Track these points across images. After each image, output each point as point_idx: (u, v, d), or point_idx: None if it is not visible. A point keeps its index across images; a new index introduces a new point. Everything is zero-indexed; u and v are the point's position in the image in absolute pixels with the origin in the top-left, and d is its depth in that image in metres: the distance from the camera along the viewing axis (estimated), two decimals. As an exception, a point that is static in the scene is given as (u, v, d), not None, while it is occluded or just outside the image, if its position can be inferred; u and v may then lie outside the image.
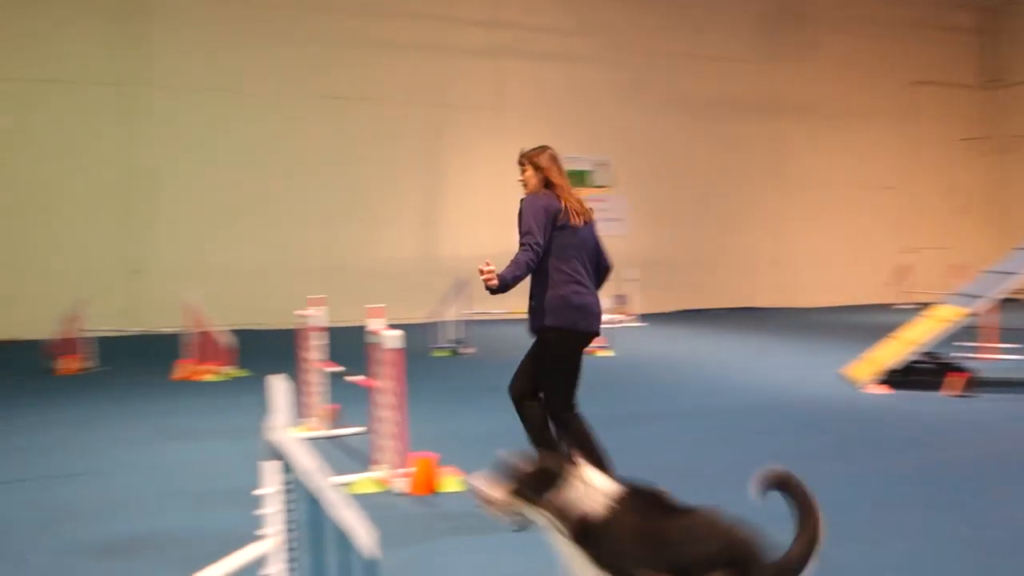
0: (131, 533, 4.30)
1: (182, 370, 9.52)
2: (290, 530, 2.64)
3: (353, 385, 5.93)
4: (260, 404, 7.94)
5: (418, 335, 12.11)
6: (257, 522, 2.61)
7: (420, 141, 16.74)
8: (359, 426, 6.50)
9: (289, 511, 2.59)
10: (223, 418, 7.30)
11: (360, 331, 5.83)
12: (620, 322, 14.83)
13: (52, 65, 14.24)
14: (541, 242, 4.38)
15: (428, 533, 4.28)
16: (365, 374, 5.73)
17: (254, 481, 3.55)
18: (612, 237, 19.04)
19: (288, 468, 2.75)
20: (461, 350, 11.59)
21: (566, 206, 4.49)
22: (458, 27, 16.98)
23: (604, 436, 6.41)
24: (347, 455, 5.92)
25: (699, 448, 6.17)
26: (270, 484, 2.66)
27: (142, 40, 14.70)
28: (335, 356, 6.88)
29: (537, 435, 4.60)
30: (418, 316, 13.08)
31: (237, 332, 10.28)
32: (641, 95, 18.50)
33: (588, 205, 4.69)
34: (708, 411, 7.56)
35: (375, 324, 5.17)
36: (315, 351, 6.46)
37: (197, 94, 15.05)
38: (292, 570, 2.64)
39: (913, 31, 20.96)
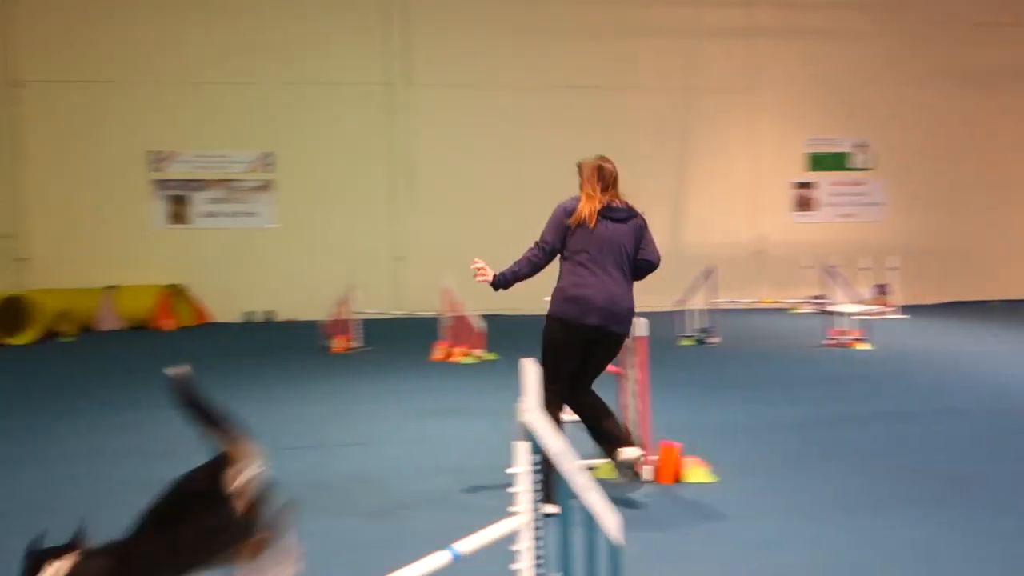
0: (396, 501, 4.68)
1: (439, 352, 10.13)
2: (537, 509, 2.77)
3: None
4: (509, 386, 8.28)
5: (665, 323, 12.09)
6: (509, 499, 2.76)
7: (668, 126, 16.60)
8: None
9: (540, 490, 2.72)
10: (477, 398, 7.70)
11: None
12: (879, 314, 13.93)
13: (327, 68, 15.60)
14: (548, 240, 4.83)
15: (671, 521, 4.30)
16: (616, 361, 5.83)
17: (506, 459, 3.75)
18: (869, 223, 17.97)
19: (537, 449, 2.89)
20: (707, 340, 11.42)
21: (580, 208, 4.79)
22: (712, 9, 16.62)
23: (855, 433, 6.12)
24: (591, 440, 6.04)
25: (961, 452, 5.70)
26: (522, 463, 2.80)
27: (404, 41, 15.71)
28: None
29: (595, 427, 4.86)
30: (665, 304, 13.03)
31: (488, 317, 10.77)
32: (905, 69, 17.19)
33: (622, 206, 4.87)
34: (972, 411, 6.95)
35: (621, 312, 5.23)
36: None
37: (453, 89, 15.88)
38: (539, 547, 2.77)
39: None
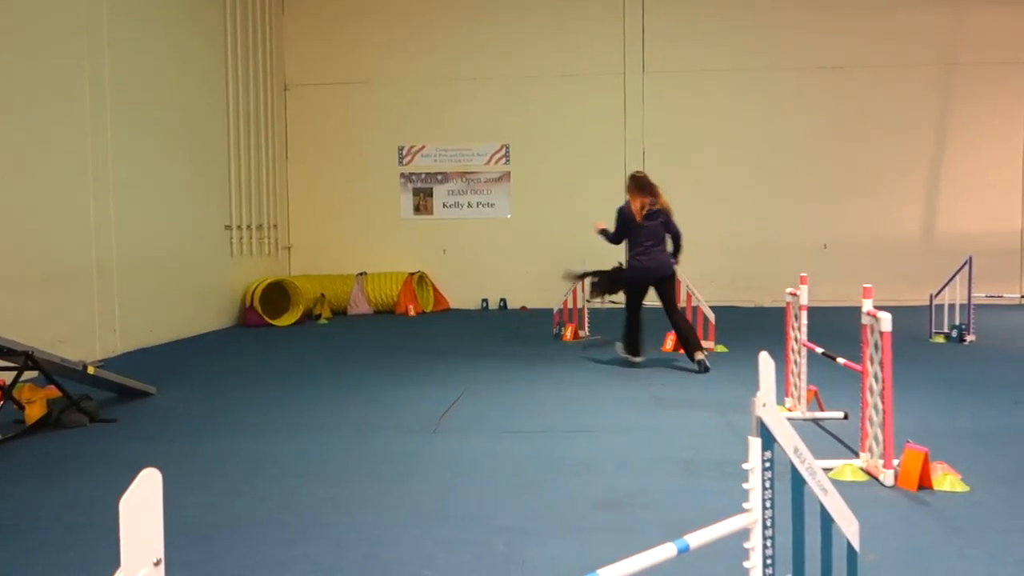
0: (625, 489, 4.72)
1: (670, 342, 10.06)
2: (769, 507, 2.71)
3: (834, 368, 5.76)
4: (740, 380, 8.10)
5: (917, 318, 11.29)
6: (740, 494, 2.72)
7: (926, 105, 15.37)
8: (837, 410, 6.32)
9: (770, 488, 2.66)
10: (707, 390, 7.59)
11: (854, 312, 5.61)
12: None
13: (563, 60, 15.88)
14: (614, 232, 8.85)
15: (915, 531, 4.04)
16: (850, 356, 5.55)
17: (737, 454, 3.68)
18: None
19: (771, 445, 2.82)
20: (963, 337, 10.54)
21: (630, 210, 8.64)
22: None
23: None
24: (826, 439, 5.80)
25: None
26: (754, 459, 2.75)
27: (638, 31, 15.65)
28: (825, 336, 6.74)
29: (681, 334, 8.72)
30: (918, 299, 12.17)
31: (723, 308, 10.55)
32: None
33: (656, 204, 8.61)
34: None
35: (867, 304, 4.97)
36: (801, 330, 6.40)
37: (685, 75, 15.62)
38: (769, 547, 2.71)
39: None
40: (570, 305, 11.54)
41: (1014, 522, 4.13)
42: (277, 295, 14.13)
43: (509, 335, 11.26)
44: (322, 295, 14.70)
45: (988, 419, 6.40)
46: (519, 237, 16.05)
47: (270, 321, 13.40)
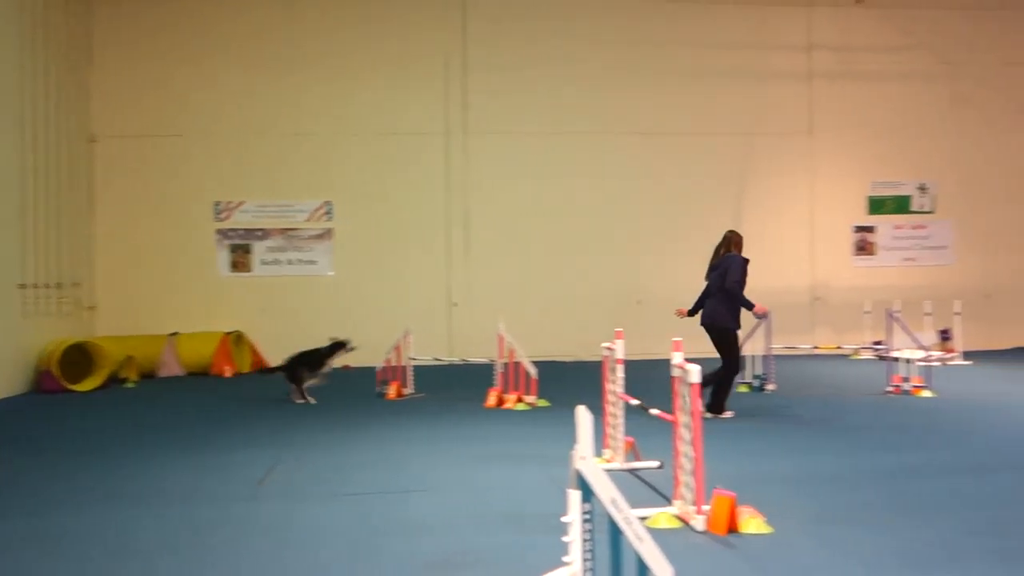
0: (454, 549, 4.67)
1: (492, 398, 10.15)
2: (589, 558, 2.76)
3: (650, 419, 6.00)
4: (561, 433, 8.24)
5: (719, 370, 11.94)
6: (562, 547, 2.75)
7: (726, 171, 16.53)
8: (653, 460, 6.56)
9: (590, 539, 2.71)
10: (529, 445, 7.69)
11: (661, 365, 5.89)
12: (942, 360, 13.58)
13: (386, 119, 15.97)
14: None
15: (724, 573, 4.23)
16: (663, 407, 5.80)
17: (559, 507, 3.74)
18: (931, 267, 17.60)
19: (590, 497, 2.88)
20: (763, 387, 11.25)
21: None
22: (773, 53, 16.60)
23: (919, 485, 5.97)
24: (642, 489, 5.99)
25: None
26: (574, 512, 2.80)
27: (460, 92, 16.00)
28: (636, 389, 6.99)
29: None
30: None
31: (544, 363, 10.77)
32: (974, 110, 16.87)
33: (717, 259, 9.43)
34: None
35: (677, 357, 5.22)
36: (617, 383, 6.62)
37: (507, 137, 16.09)
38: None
39: None
40: (393, 362, 11.44)
41: (815, 559, 4.41)
42: (79, 358, 13.15)
43: (331, 394, 11.00)
44: (129, 357, 13.82)
45: (789, 462, 6.83)
46: (342, 295, 15.80)
47: (69, 386, 12.44)
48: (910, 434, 8.16)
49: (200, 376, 14.30)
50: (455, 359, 13.60)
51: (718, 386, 9.02)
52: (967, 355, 14.46)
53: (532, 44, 16.11)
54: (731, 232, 9.56)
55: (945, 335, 14.87)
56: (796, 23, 16.61)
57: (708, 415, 8.53)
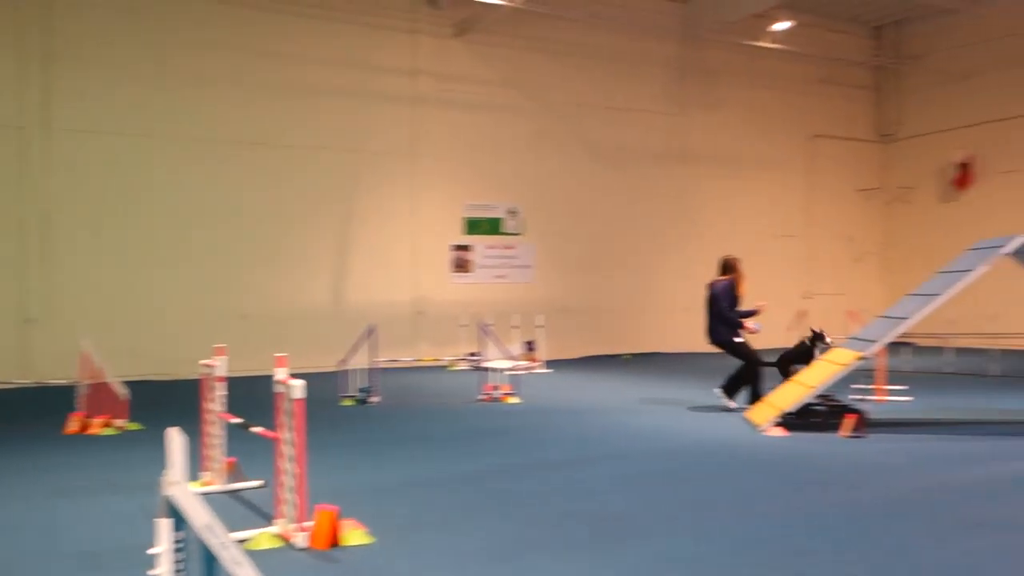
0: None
1: (74, 423, 9.15)
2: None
3: (255, 437, 5.83)
4: (157, 458, 7.69)
5: (326, 384, 11.95)
6: (148, 582, 2.55)
7: (334, 186, 16.61)
8: (256, 479, 6.37)
9: (183, 570, 2.54)
10: (116, 473, 7.04)
11: (268, 381, 5.74)
12: (527, 368, 14.93)
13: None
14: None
15: (329, 587, 4.22)
16: (269, 425, 5.65)
17: (148, 539, 3.46)
18: (519, 284, 19.33)
19: (183, 525, 2.71)
20: (368, 399, 11.48)
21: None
22: (378, 75, 17.01)
23: (508, 483, 6.48)
24: (246, 510, 5.79)
25: (604, 494, 6.25)
26: (165, 542, 2.61)
27: (43, 82, 14.25)
28: (242, 407, 6.75)
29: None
30: (327, 364, 12.94)
31: (137, 383, 9.98)
32: (553, 144, 18.84)
33: (711, 285, 10.50)
34: (612, 456, 7.68)
35: (280, 373, 5.12)
36: (217, 402, 6.33)
37: (98, 137, 14.64)
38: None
39: (813, 87, 22.01)
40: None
41: (412, 564, 4.57)
42: None
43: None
44: None
45: (392, 472, 7.04)
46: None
47: None
48: (499, 437, 8.82)
49: None
50: (31, 381, 12.07)
51: (742, 379, 10.23)
52: (548, 363, 16.04)
53: (122, 42, 14.88)
54: (725, 258, 10.66)
55: (530, 346, 16.35)
56: (402, 48, 17.27)
57: (741, 406, 10.01)
